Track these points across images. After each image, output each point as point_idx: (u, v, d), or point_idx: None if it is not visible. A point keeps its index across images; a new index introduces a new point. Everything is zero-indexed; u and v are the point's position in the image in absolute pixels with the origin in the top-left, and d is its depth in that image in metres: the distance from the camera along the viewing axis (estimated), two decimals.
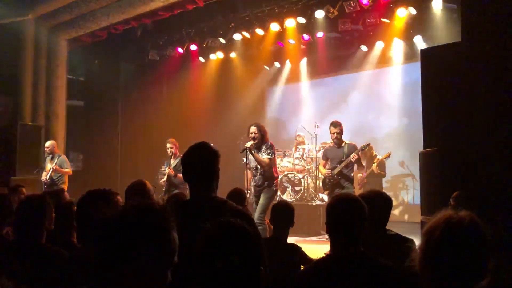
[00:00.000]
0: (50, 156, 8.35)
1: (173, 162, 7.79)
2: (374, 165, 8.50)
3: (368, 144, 7.22)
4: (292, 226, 3.57)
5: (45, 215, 2.69)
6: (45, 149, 8.45)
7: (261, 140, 6.22)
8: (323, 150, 7.75)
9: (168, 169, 7.74)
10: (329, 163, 7.03)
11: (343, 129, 6.95)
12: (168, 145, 7.93)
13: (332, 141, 7.05)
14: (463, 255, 1.47)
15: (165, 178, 7.79)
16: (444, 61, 4.31)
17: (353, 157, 6.69)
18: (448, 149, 3.97)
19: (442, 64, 4.33)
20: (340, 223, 2.20)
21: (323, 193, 9.07)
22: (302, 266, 3.37)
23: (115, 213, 1.33)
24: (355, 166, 7.03)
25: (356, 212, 2.19)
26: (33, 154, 9.15)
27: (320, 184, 9.43)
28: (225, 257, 1.34)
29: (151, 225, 1.29)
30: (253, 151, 6.21)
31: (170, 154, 7.85)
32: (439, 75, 4.34)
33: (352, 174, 6.92)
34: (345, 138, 7.21)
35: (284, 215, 3.53)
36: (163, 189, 7.80)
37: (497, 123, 3.45)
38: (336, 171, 6.79)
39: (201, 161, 2.37)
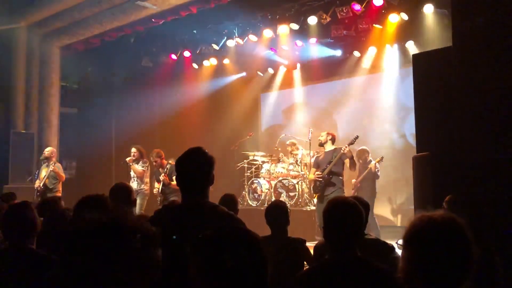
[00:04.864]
0: (46, 163, 8.32)
1: (162, 172, 7.90)
2: (372, 164, 8.49)
3: (357, 137, 7.25)
4: (289, 224, 3.61)
5: (31, 221, 2.70)
6: (44, 152, 8.42)
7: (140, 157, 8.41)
8: (314, 158, 7.81)
9: (163, 176, 7.78)
10: (319, 169, 7.12)
11: (333, 135, 7.22)
12: (152, 158, 8.14)
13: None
14: (445, 255, 1.45)
15: (159, 189, 7.86)
16: (436, 66, 4.35)
17: (344, 149, 6.79)
18: (440, 153, 3.99)
19: (434, 69, 4.37)
20: (337, 228, 2.20)
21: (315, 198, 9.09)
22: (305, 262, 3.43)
23: (82, 226, 1.27)
24: (346, 164, 7.05)
25: (353, 217, 2.20)
26: (26, 161, 9.10)
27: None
28: (222, 256, 1.32)
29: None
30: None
31: (158, 167, 8.03)
32: (431, 79, 4.37)
33: (342, 172, 7.02)
34: (340, 143, 7.32)
35: (277, 215, 3.58)
36: (158, 199, 7.84)
37: (489, 127, 3.48)
38: (326, 171, 6.88)
39: (195, 167, 2.36)
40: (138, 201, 8.08)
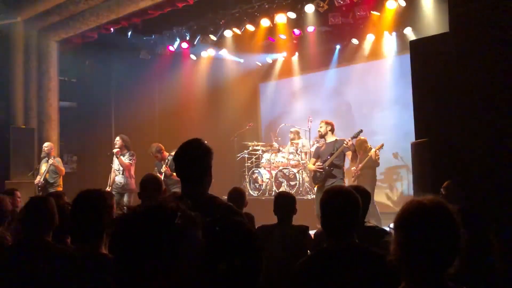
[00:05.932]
0: (46, 158, 8.35)
1: (164, 163, 7.90)
2: (372, 151, 8.51)
3: (361, 131, 7.21)
4: (295, 214, 3.75)
5: (51, 215, 2.72)
6: (43, 148, 8.44)
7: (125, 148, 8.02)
8: (315, 147, 7.77)
9: (164, 168, 7.79)
10: (319, 160, 7.07)
11: (331, 124, 7.06)
12: (152, 154, 8.03)
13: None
14: (432, 238, 1.49)
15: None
16: (433, 52, 4.34)
17: (347, 142, 6.70)
18: (439, 139, 4.00)
19: (431, 55, 4.35)
20: (334, 216, 2.21)
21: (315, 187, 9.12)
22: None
23: (133, 214, 1.24)
24: (348, 157, 7.05)
25: (349, 205, 2.22)
26: (27, 157, 9.12)
27: None
28: (228, 259, 1.33)
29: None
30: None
31: (159, 160, 7.98)
32: (429, 66, 4.36)
33: (342, 165, 6.97)
34: (339, 131, 7.28)
35: (285, 205, 3.70)
36: None
37: (486, 112, 3.48)
38: (327, 163, 6.81)
39: (193, 157, 2.38)
40: (125, 199, 7.87)
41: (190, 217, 1.23)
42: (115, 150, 7.97)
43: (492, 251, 1.99)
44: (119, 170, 7.96)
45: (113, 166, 8.10)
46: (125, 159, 7.94)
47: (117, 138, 8.07)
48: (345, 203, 2.20)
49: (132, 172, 7.99)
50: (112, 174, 8.09)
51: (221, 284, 1.33)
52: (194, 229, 1.23)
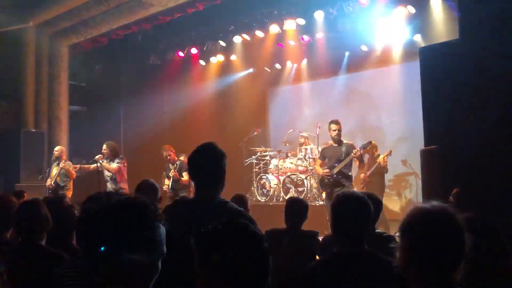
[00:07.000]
0: (57, 162, 8.40)
1: (172, 167, 7.91)
2: (381, 158, 8.48)
3: (370, 142, 7.17)
4: (304, 221, 3.74)
5: (43, 218, 2.73)
6: (54, 152, 8.49)
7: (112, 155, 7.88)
8: (320, 150, 7.73)
9: (173, 172, 7.81)
10: (326, 162, 7.03)
11: (342, 128, 6.99)
12: (164, 153, 8.03)
13: (332, 139, 7.01)
14: (436, 242, 1.50)
15: (169, 185, 7.86)
16: (442, 59, 4.33)
17: (355, 152, 6.67)
18: (448, 146, 3.98)
19: (440, 62, 4.35)
20: (345, 221, 2.22)
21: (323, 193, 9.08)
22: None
23: (98, 208, 1.32)
24: (355, 164, 7.02)
25: (360, 211, 2.22)
26: (37, 160, 9.19)
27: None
28: (220, 251, 1.33)
29: (134, 219, 1.28)
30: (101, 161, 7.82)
31: (169, 161, 7.98)
32: (438, 73, 4.36)
33: (350, 173, 6.93)
34: (348, 138, 7.23)
35: (298, 212, 3.70)
36: (168, 195, 7.85)
37: (496, 119, 3.47)
38: (335, 170, 6.77)
39: (207, 161, 2.39)
40: None
41: (152, 209, 1.31)
42: (97, 157, 7.86)
43: (507, 257, 1.98)
44: (110, 177, 7.85)
45: (104, 173, 7.96)
46: (113, 164, 7.81)
47: (104, 146, 7.94)
48: (356, 208, 2.20)
49: (124, 175, 7.86)
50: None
51: (217, 277, 1.33)
52: (154, 218, 1.30)
